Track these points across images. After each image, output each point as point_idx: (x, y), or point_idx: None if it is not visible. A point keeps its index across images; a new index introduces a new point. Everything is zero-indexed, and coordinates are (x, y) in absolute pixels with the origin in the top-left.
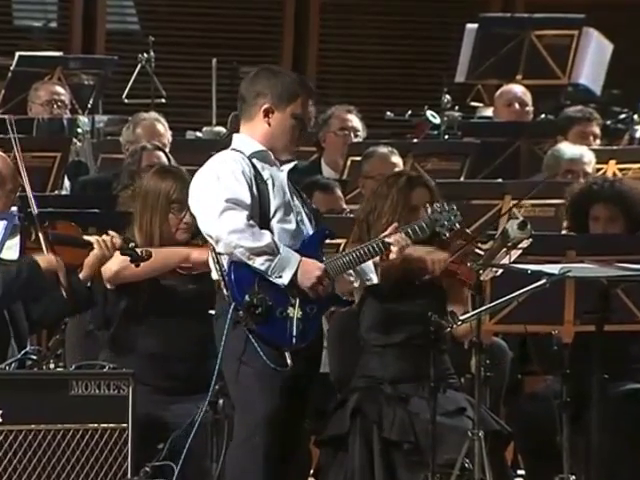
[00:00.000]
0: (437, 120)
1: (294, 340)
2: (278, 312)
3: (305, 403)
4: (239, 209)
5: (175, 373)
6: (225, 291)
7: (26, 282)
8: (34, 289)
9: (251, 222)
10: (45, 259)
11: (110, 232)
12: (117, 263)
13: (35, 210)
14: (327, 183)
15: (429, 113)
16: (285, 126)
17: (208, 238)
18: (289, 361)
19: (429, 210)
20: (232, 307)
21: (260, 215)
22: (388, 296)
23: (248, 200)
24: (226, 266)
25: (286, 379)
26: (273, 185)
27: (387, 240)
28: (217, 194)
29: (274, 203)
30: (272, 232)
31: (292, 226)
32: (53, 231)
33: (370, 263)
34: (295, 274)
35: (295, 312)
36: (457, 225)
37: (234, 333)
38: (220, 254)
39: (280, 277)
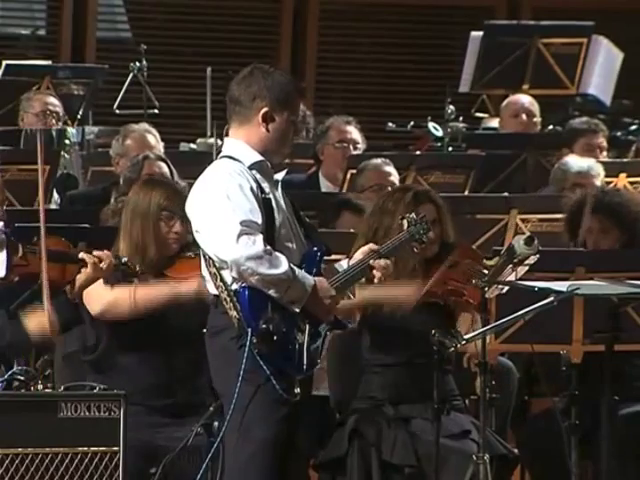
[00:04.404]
0: (440, 132)
1: (305, 368)
2: (290, 338)
3: (299, 429)
4: (254, 232)
5: (169, 393)
6: (234, 313)
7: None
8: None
9: (268, 248)
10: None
11: (99, 253)
12: (100, 303)
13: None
14: (360, 205)
15: (431, 125)
16: (283, 131)
17: (220, 262)
18: (297, 390)
19: (405, 224)
20: (249, 334)
21: (266, 234)
22: (389, 314)
23: (260, 219)
24: (234, 286)
25: (290, 406)
26: (274, 199)
27: (371, 263)
28: (230, 216)
29: (278, 220)
30: (278, 251)
31: (293, 244)
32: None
33: None
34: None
35: (305, 338)
36: (425, 237)
37: (239, 352)
38: (222, 268)
39: (293, 303)
